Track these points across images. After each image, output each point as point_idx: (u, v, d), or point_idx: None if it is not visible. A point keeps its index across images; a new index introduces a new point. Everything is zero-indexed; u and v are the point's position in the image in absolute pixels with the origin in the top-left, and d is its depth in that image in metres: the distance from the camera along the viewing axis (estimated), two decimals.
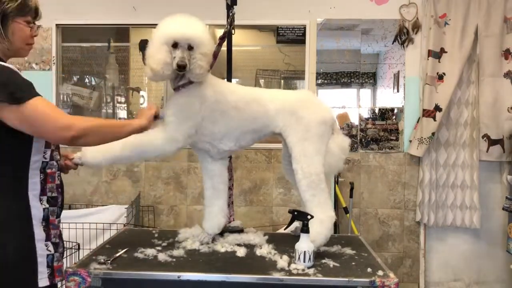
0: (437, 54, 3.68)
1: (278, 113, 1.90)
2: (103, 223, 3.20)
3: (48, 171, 1.55)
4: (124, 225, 3.07)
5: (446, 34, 3.67)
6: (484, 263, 3.86)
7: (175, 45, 1.73)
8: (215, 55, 1.94)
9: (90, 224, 3.15)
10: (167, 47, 1.73)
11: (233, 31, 2.23)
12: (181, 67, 1.71)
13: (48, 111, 1.43)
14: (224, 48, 2.30)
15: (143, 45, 3.81)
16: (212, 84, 1.88)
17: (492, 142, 3.67)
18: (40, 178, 1.52)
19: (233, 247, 1.92)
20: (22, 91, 1.41)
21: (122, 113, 4.07)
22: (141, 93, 4.03)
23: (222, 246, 1.93)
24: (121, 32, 3.93)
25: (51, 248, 1.52)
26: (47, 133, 1.44)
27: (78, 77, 4.04)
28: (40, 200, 1.51)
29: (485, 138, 3.67)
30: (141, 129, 1.71)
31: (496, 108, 3.66)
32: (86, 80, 4.05)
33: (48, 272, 1.49)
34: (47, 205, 1.53)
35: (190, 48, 1.74)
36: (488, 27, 3.64)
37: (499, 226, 3.79)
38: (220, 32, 2.21)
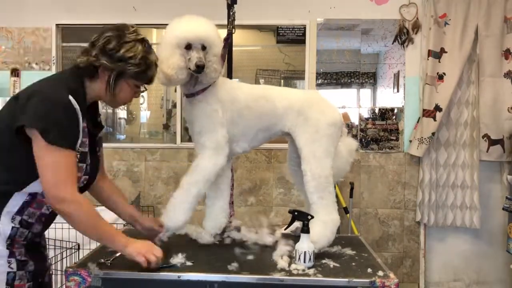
0: (437, 54, 3.68)
1: (286, 112, 1.87)
2: None
3: (39, 198, 1.49)
4: (124, 225, 3.07)
5: (446, 34, 3.67)
6: (484, 263, 3.86)
7: (188, 47, 1.70)
8: (223, 57, 1.90)
9: None
10: (179, 50, 1.71)
11: (233, 30, 2.22)
12: (200, 67, 1.68)
13: (62, 174, 1.41)
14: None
15: None
16: (221, 84, 1.86)
17: (492, 142, 3.67)
18: (25, 199, 1.47)
19: (233, 247, 1.92)
20: (59, 135, 1.40)
21: (122, 113, 4.07)
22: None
23: (222, 245, 1.93)
24: None
25: (13, 265, 1.46)
26: (44, 187, 1.42)
27: None
28: (12, 218, 1.46)
29: (485, 138, 3.67)
30: (122, 248, 1.54)
31: (496, 108, 3.67)
32: None
33: None
34: (18, 226, 1.47)
35: (203, 48, 1.72)
36: (488, 27, 3.64)
37: (499, 226, 3.79)
38: (221, 32, 2.20)
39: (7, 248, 1.45)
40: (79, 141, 1.49)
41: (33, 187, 1.47)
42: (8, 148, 1.45)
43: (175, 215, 1.76)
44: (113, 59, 1.51)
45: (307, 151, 1.83)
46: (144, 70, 1.55)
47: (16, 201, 1.46)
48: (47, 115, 1.39)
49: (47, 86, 1.48)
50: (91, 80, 1.54)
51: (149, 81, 1.61)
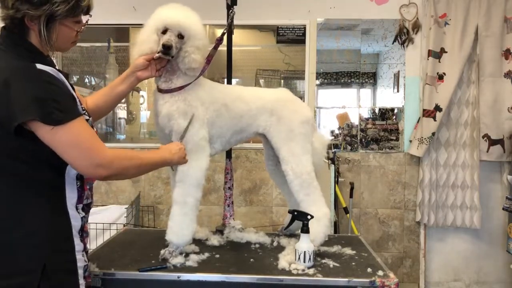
0: (437, 54, 3.68)
1: (259, 112, 1.87)
2: (103, 223, 3.20)
3: (86, 178, 1.41)
4: (124, 225, 3.07)
5: (446, 34, 3.67)
6: (484, 263, 3.86)
7: (165, 32, 1.66)
8: (209, 59, 1.81)
9: (90, 224, 3.14)
10: (156, 36, 1.67)
11: (232, 30, 2.20)
12: (166, 48, 1.61)
13: (85, 143, 1.26)
14: (224, 48, 2.29)
15: None
16: (202, 83, 1.81)
17: (492, 142, 3.67)
18: (77, 185, 1.38)
19: (233, 247, 1.92)
20: (61, 111, 1.23)
21: (122, 113, 4.07)
22: (141, 93, 4.03)
23: (222, 246, 1.93)
24: (121, 32, 3.93)
25: (85, 258, 1.42)
26: (80, 166, 1.28)
27: (78, 77, 4.04)
28: (77, 208, 1.39)
29: (485, 138, 3.67)
30: (165, 162, 1.58)
31: (496, 108, 3.66)
32: (86, 80, 4.05)
33: (84, 284, 1.41)
34: (83, 213, 1.42)
35: (181, 37, 1.67)
36: (488, 27, 3.64)
37: (499, 226, 3.79)
38: (220, 33, 2.20)
39: (81, 241, 1.40)
40: (78, 100, 1.34)
41: (72, 169, 1.34)
42: (12, 154, 1.27)
43: (181, 231, 1.73)
44: (35, 4, 1.26)
45: (285, 151, 1.84)
46: (76, 3, 1.31)
47: (71, 190, 1.37)
48: (34, 96, 1.20)
49: (9, 67, 1.24)
50: (26, 36, 1.31)
51: (87, 10, 1.38)
